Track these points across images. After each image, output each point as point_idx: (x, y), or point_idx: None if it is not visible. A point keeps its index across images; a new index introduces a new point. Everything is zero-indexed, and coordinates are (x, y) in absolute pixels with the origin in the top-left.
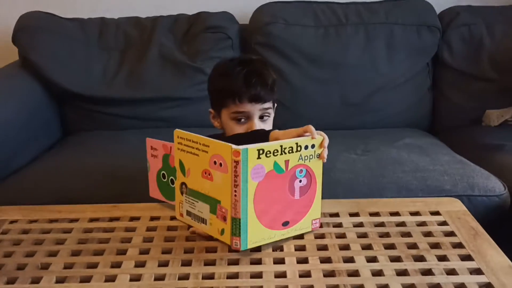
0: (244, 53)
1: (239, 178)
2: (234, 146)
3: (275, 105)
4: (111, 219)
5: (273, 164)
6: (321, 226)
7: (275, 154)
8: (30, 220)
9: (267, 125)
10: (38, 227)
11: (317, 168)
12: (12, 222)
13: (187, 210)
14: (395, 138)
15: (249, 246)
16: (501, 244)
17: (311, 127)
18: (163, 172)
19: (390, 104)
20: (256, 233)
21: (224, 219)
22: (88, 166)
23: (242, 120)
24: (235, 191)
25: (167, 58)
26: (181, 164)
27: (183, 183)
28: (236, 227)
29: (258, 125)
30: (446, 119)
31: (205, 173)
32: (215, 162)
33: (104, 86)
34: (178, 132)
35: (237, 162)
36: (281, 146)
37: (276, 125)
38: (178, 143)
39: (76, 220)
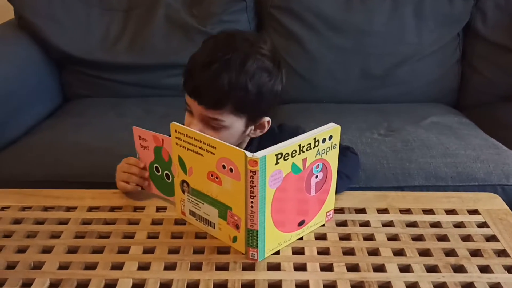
0: (260, 17)
1: (256, 189)
2: (248, 154)
3: (262, 123)
4: (113, 209)
5: (291, 166)
6: (345, 224)
7: (293, 155)
8: (23, 207)
9: (220, 135)
10: (32, 216)
11: (333, 160)
12: (3, 208)
13: (190, 210)
14: (420, 115)
15: (266, 255)
16: None
17: None
18: (156, 165)
19: (414, 77)
20: (273, 241)
21: (237, 227)
22: (85, 140)
23: (190, 110)
24: (252, 202)
25: (175, 21)
26: (180, 161)
27: (184, 181)
28: (253, 239)
29: (198, 127)
30: (474, 95)
31: (212, 175)
32: (223, 166)
33: (105, 50)
34: (175, 126)
35: (254, 172)
36: (299, 145)
37: (292, 96)
38: (177, 137)
39: (74, 208)
